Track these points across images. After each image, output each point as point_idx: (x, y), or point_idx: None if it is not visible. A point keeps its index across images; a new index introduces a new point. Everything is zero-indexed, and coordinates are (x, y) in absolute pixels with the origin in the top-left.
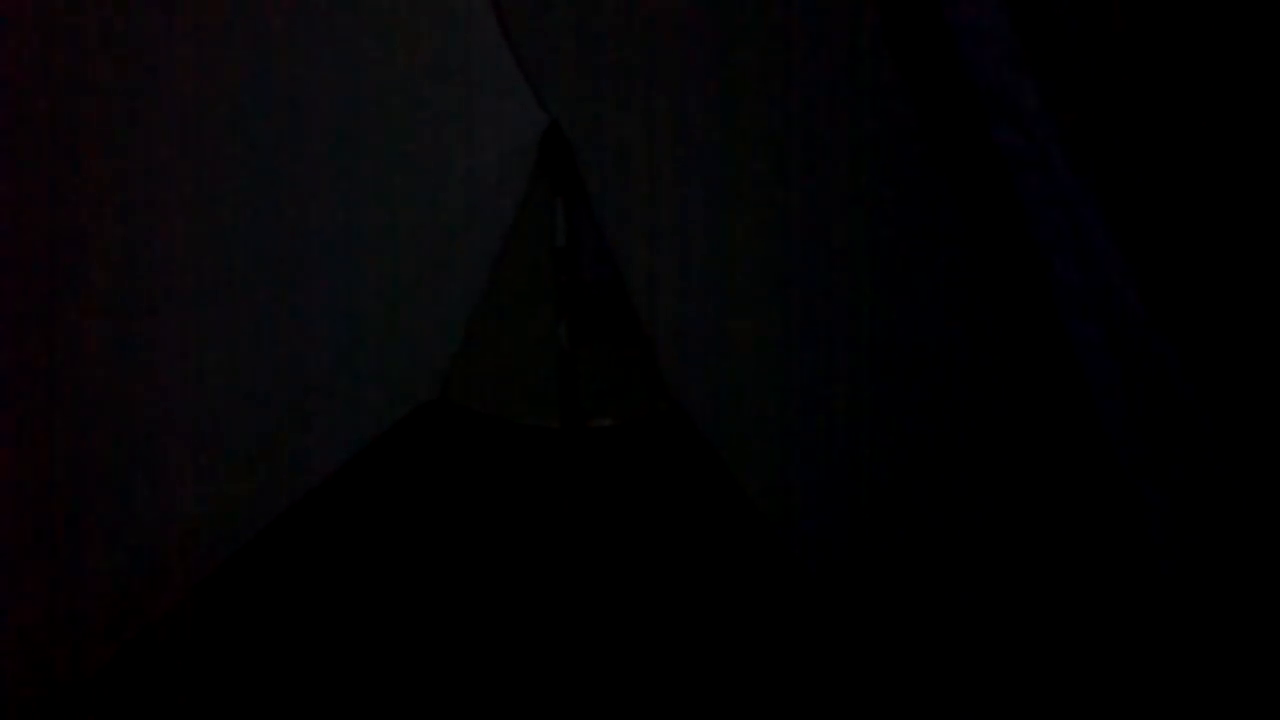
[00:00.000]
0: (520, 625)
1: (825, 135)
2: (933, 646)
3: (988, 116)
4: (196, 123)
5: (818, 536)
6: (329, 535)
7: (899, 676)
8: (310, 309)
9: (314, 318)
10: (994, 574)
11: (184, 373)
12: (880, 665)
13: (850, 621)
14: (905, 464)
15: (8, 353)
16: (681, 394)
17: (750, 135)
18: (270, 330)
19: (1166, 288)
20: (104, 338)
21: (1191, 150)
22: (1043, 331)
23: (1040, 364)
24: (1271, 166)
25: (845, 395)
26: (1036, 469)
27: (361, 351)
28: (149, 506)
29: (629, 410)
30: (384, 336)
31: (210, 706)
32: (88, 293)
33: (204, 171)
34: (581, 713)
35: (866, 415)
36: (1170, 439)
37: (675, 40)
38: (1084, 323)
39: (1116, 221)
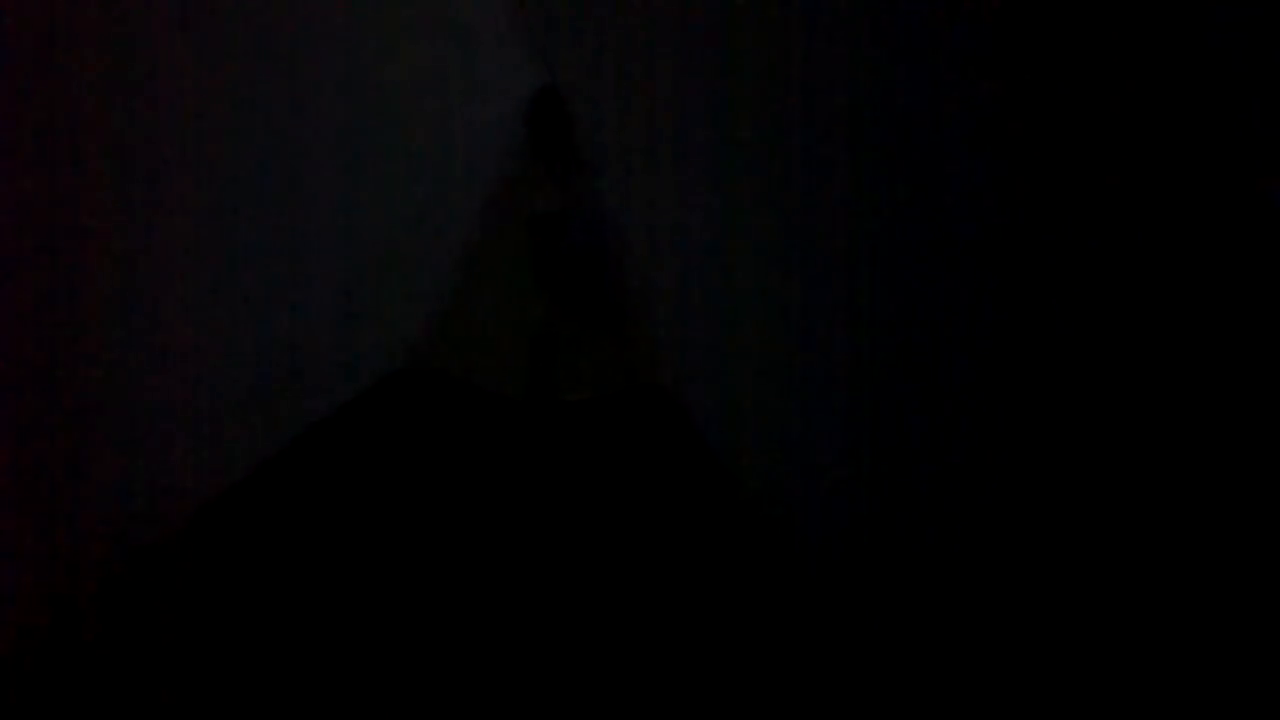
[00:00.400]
0: (473, 609)
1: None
2: (933, 643)
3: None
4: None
5: (820, 529)
6: (283, 503)
7: (900, 673)
8: (268, 276)
9: (268, 284)
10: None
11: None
12: (880, 661)
13: (852, 617)
14: (910, 456)
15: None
16: (677, 374)
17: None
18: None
19: None
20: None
21: None
22: None
23: None
24: None
25: (850, 382)
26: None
27: (322, 317)
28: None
29: (608, 384)
30: (346, 300)
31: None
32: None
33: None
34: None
35: (871, 402)
36: None
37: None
38: None
39: None
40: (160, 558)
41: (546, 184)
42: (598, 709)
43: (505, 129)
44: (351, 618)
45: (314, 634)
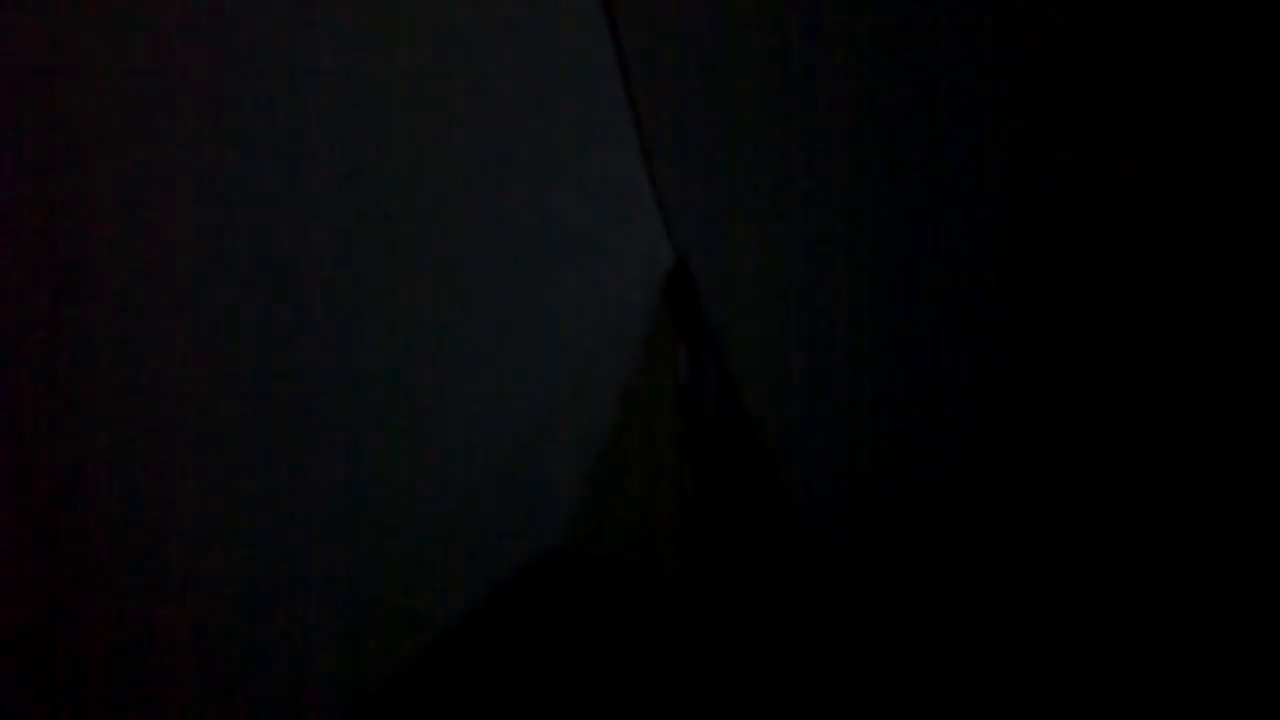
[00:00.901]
0: None
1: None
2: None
3: None
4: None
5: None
6: (449, 688)
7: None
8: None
9: (432, 466)
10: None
11: (308, 525)
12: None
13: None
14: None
15: None
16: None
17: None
18: (387, 480)
19: None
20: None
21: None
22: None
23: None
24: None
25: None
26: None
27: (482, 496)
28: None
29: (755, 551)
30: (507, 481)
31: None
32: None
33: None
34: None
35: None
36: None
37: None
38: None
39: None
40: None
41: (684, 358)
42: None
43: (645, 306)
44: None
45: None
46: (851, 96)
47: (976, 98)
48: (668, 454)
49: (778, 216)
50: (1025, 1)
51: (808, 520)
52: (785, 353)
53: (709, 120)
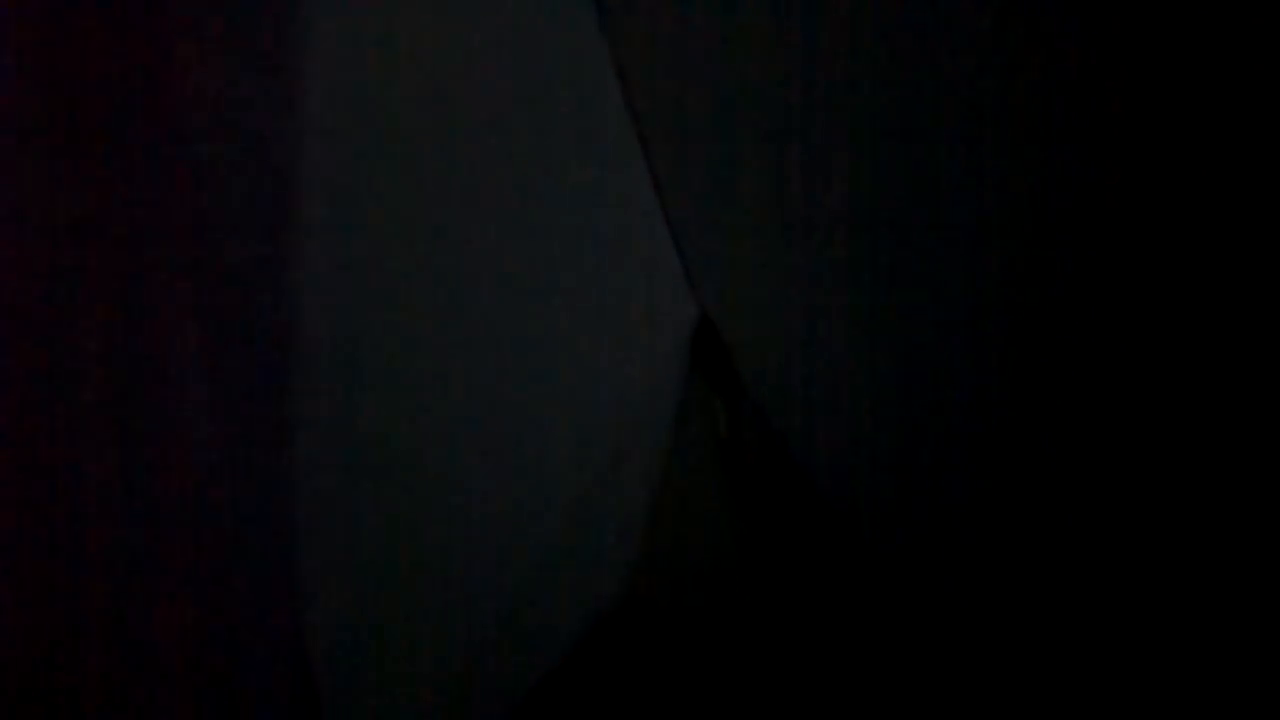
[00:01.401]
0: None
1: None
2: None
3: None
4: None
5: None
6: None
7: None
8: (470, 538)
9: (475, 545)
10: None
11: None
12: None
13: None
14: None
15: None
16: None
17: None
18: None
19: None
20: None
21: None
22: None
23: None
24: None
25: None
26: None
27: (531, 572)
28: None
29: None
30: (555, 556)
31: None
32: None
33: None
34: None
35: None
36: None
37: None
38: None
39: None
40: None
41: (720, 412)
42: None
43: (677, 365)
44: None
45: None
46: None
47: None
48: (715, 510)
49: (794, 250)
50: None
51: (861, 562)
52: (821, 392)
53: (723, 160)
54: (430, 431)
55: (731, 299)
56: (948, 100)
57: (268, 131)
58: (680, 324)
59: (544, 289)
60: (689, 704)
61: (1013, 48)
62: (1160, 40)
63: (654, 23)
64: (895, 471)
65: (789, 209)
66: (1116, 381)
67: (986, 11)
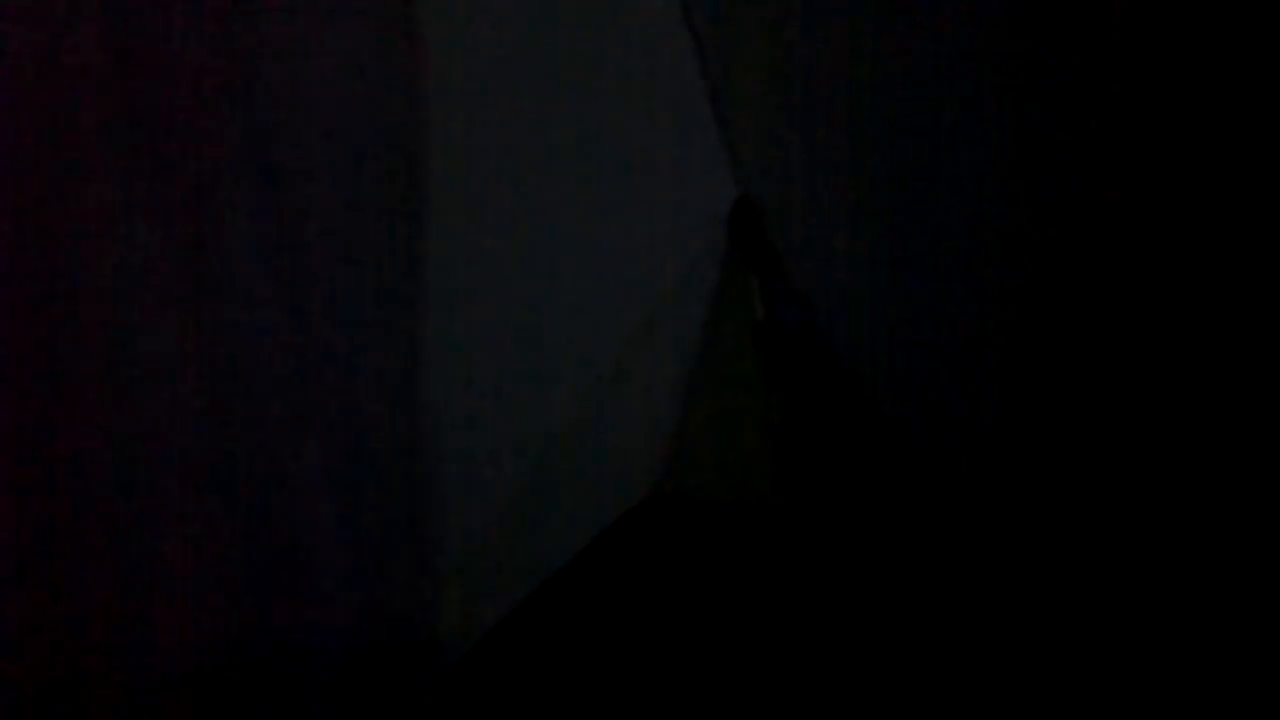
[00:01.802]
0: None
1: None
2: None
3: None
4: None
5: None
6: (549, 638)
7: None
8: (502, 411)
9: (507, 419)
10: None
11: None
12: None
13: None
14: None
15: None
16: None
17: None
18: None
19: None
20: None
21: None
22: None
23: None
24: None
25: None
26: None
27: (563, 449)
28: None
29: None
30: (588, 433)
31: None
32: None
33: None
34: None
35: None
36: None
37: None
38: None
39: None
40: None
41: (756, 293)
42: None
43: (713, 243)
44: None
45: None
46: None
47: None
48: (750, 390)
49: (844, 136)
50: None
51: (897, 441)
52: (858, 268)
53: (773, 40)
54: (469, 295)
55: (773, 177)
56: None
57: None
58: (719, 202)
59: (591, 161)
60: (717, 592)
61: None
62: None
63: None
64: (934, 358)
65: (832, 88)
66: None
67: None
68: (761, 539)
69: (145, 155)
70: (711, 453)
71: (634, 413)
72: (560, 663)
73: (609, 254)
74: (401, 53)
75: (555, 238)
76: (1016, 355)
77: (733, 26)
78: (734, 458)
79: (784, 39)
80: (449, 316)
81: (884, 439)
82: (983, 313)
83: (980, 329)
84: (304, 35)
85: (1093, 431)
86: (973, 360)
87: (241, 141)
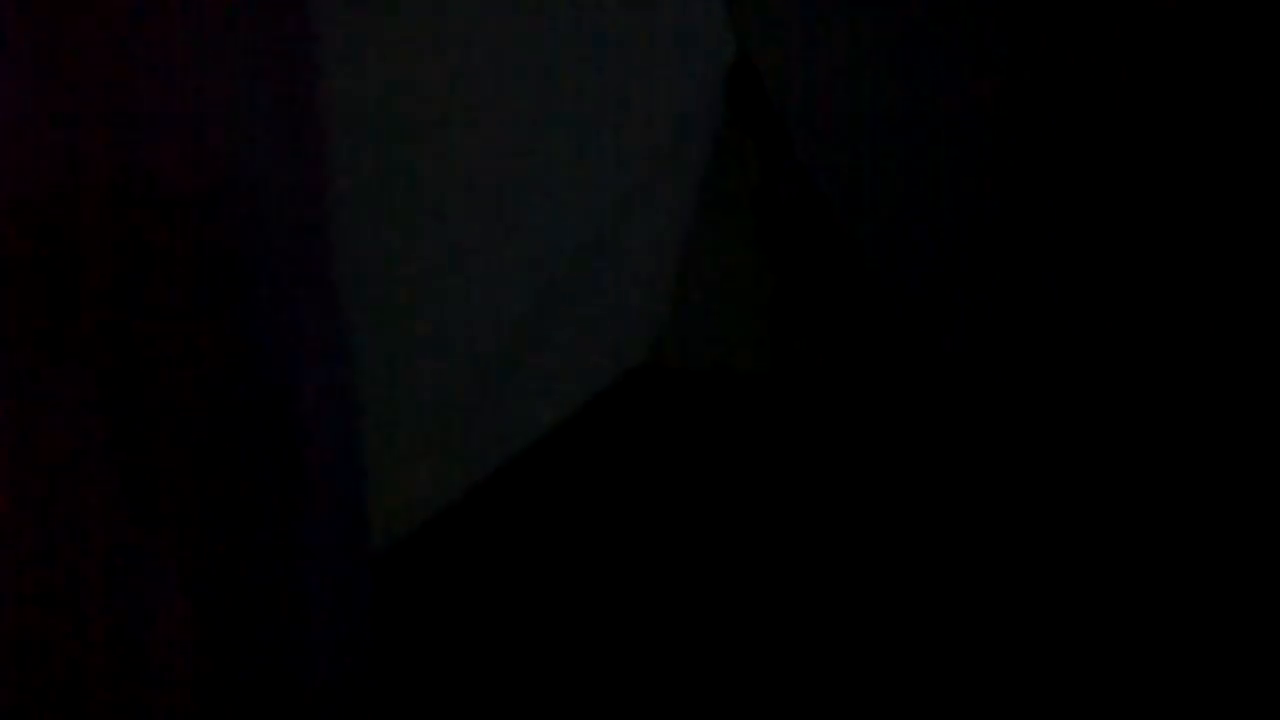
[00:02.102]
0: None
1: None
2: None
3: None
4: None
5: None
6: (520, 509)
7: None
8: (489, 272)
9: (495, 282)
10: None
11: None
12: None
13: None
14: None
15: None
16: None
17: None
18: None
19: None
20: None
21: None
22: None
23: None
24: None
25: None
26: None
27: (550, 315)
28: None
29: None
30: (580, 298)
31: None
32: None
33: None
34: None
35: None
36: None
37: None
38: None
39: None
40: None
41: (755, 159)
42: None
43: (709, 105)
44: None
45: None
46: None
47: None
48: (748, 254)
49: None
50: None
51: (894, 305)
52: (858, 131)
53: None
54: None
55: (775, 38)
56: None
57: None
58: (718, 59)
59: (579, 17)
60: (707, 464)
61: None
62: None
63: None
64: (937, 231)
65: None
66: None
67: None
68: (755, 413)
69: None
70: (706, 325)
71: (623, 282)
72: (519, 542)
73: (598, 115)
74: None
75: (540, 95)
76: (1025, 234)
77: None
78: (730, 330)
79: None
80: (434, 163)
81: (884, 312)
82: (990, 186)
83: (987, 202)
84: None
85: (1101, 318)
86: (979, 236)
87: None
